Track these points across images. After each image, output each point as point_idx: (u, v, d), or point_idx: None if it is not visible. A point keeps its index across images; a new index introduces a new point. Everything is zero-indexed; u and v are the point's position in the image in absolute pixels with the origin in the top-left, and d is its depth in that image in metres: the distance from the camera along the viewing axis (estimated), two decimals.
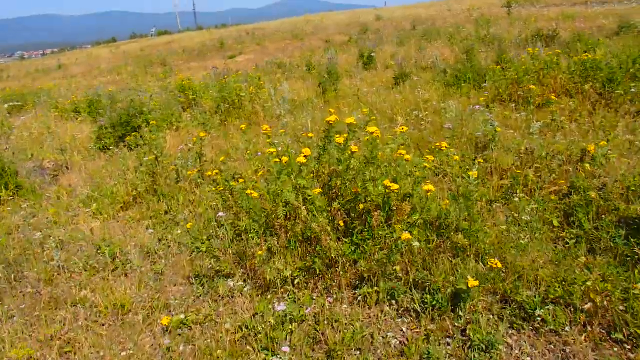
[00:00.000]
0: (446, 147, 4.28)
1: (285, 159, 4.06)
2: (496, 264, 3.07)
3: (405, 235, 3.28)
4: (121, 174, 6.87)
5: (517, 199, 4.21)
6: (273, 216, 4.30)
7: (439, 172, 5.54)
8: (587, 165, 4.89)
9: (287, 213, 4.36)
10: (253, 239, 3.84)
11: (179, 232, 5.20)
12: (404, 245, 3.43)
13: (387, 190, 3.70)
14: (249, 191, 3.65)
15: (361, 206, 3.94)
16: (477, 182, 3.74)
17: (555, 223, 4.22)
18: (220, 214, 4.38)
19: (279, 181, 4.01)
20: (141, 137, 7.55)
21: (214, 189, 4.43)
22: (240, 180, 4.11)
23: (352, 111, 9.58)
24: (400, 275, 3.70)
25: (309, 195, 3.58)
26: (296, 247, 4.15)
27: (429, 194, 3.37)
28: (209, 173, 4.36)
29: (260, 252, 3.67)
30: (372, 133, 3.68)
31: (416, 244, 3.45)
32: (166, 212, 5.80)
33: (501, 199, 4.72)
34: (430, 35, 19.40)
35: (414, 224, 3.61)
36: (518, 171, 4.75)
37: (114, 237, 5.22)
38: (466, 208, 3.74)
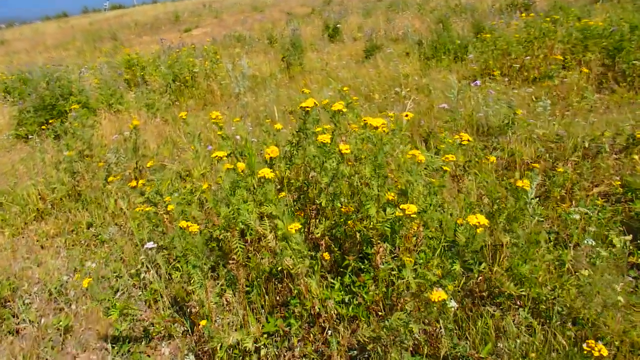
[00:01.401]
0: (469, 141, 2.95)
1: (241, 165, 2.66)
2: (599, 351, 1.78)
3: (439, 295, 1.96)
4: (38, 171, 5.32)
5: (575, 214, 2.93)
6: (226, 243, 2.94)
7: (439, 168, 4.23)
8: (637, 157, 3.67)
9: (248, 237, 2.99)
10: (195, 292, 2.45)
11: (104, 256, 3.76)
12: (436, 307, 2.11)
13: (397, 213, 2.36)
14: (183, 223, 2.24)
15: (354, 231, 2.60)
16: (535, 201, 2.44)
17: (617, 242, 2.98)
18: (149, 244, 2.96)
19: (234, 198, 2.62)
20: (69, 124, 5.96)
21: (138, 209, 3.00)
22: (169, 208, 2.68)
23: (321, 88, 8.18)
24: (419, 337, 2.39)
25: (280, 229, 2.19)
26: (261, 290, 2.79)
27: (479, 230, 2.03)
28: (133, 184, 2.93)
29: (204, 322, 2.29)
30: (376, 127, 2.30)
31: (453, 305, 2.14)
32: (89, 226, 4.31)
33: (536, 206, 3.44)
34: (397, 6, 17.94)
35: (449, 273, 2.28)
36: (560, 169, 3.47)
37: (13, 266, 3.73)
38: (523, 244, 2.44)
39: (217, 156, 2.50)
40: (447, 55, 8.78)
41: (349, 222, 2.69)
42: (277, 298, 2.92)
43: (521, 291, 2.40)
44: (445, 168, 2.80)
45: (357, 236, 2.62)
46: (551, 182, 3.46)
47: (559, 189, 3.41)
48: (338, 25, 13.85)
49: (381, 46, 10.48)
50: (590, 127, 4.52)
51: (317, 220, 3.04)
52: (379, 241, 2.48)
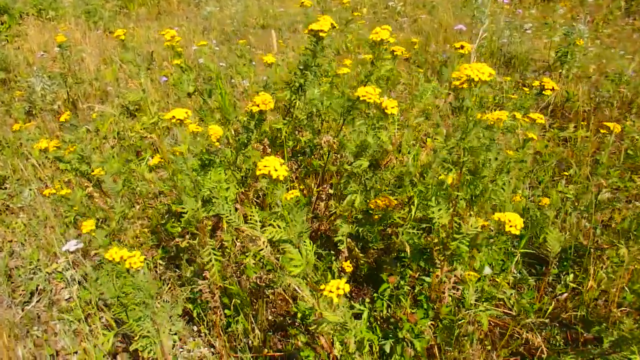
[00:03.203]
0: (552, 87, 1.93)
1: (216, 130, 1.57)
2: None
3: None
4: None
5: None
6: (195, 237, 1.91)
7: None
8: None
9: (226, 237, 1.96)
10: (144, 350, 1.44)
11: (20, 230, 2.66)
12: None
13: (480, 222, 1.38)
14: (114, 253, 1.18)
15: (404, 244, 1.60)
16: None
17: None
18: (71, 244, 1.87)
19: (206, 179, 1.56)
20: None
21: (47, 192, 1.87)
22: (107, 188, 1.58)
23: None
24: None
25: (298, 264, 1.17)
26: (246, 317, 1.81)
27: None
28: (42, 144, 1.80)
29: None
30: (475, 81, 1.21)
31: None
32: (3, 182, 3.15)
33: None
34: None
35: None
36: None
37: None
38: None
39: (174, 117, 1.39)
40: None
41: (389, 220, 1.68)
42: (270, 318, 1.96)
43: None
44: (530, 135, 1.80)
45: (406, 245, 1.61)
46: (633, 145, 2.51)
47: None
48: None
49: None
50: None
51: (327, 203, 2.02)
52: (445, 262, 1.49)
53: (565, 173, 2.51)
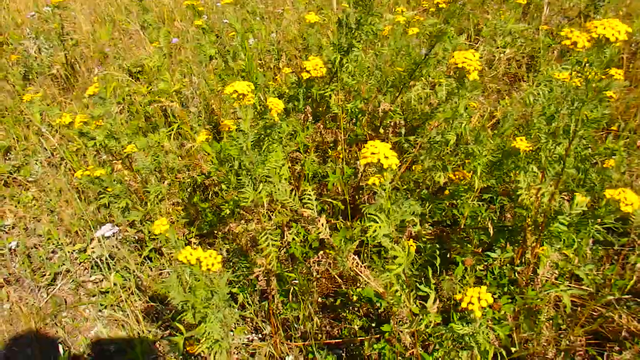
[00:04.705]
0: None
1: (276, 103, 1.32)
2: None
3: None
4: None
5: None
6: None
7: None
8: None
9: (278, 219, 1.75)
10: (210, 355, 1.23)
11: (31, 205, 2.40)
12: None
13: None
14: (189, 254, 0.95)
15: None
16: None
17: None
18: (106, 228, 1.63)
19: (266, 159, 1.33)
20: None
21: (79, 173, 1.60)
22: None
23: None
24: None
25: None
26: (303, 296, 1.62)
27: None
28: (65, 119, 1.54)
29: None
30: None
31: None
32: (7, 152, 2.85)
33: None
34: None
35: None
36: None
37: None
38: None
39: (236, 92, 1.13)
40: None
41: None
42: (319, 300, 1.77)
43: None
44: (608, 93, 1.59)
45: (489, 226, 1.42)
46: None
47: None
48: None
49: None
50: None
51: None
52: (537, 243, 1.30)
53: (613, 128, 2.33)
